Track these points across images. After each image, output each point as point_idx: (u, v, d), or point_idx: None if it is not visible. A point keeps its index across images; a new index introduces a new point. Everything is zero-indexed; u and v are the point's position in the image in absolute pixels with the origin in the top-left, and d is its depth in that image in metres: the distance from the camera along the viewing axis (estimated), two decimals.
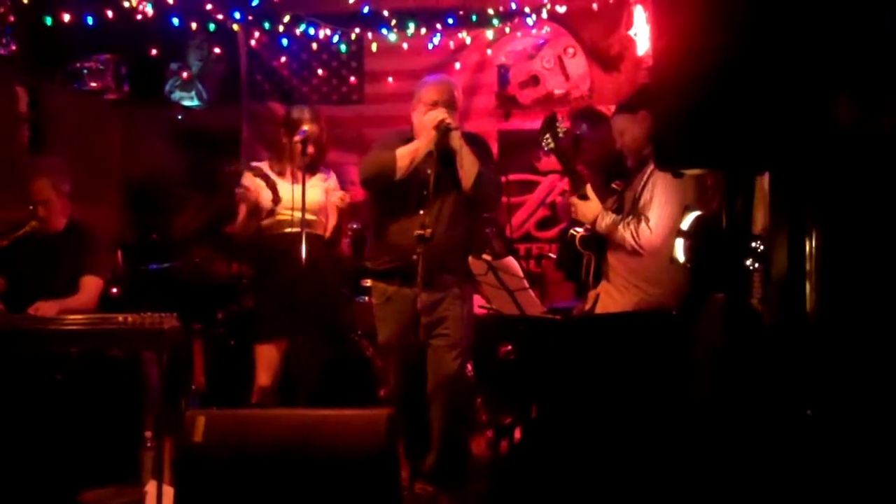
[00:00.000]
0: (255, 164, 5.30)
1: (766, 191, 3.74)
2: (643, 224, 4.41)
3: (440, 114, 4.77)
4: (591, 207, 4.60)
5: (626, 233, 4.44)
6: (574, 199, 4.64)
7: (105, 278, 5.15)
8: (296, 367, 5.11)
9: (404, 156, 4.81)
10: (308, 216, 4.94)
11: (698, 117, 3.11)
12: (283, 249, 5.10)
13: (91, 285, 5.06)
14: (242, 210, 5.18)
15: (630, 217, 4.47)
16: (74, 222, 5.19)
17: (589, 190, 4.62)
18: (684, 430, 3.74)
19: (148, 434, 4.61)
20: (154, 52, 7.44)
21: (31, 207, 5.04)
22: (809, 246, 3.39)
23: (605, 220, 4.55)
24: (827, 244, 3.37)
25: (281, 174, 5.23)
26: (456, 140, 4.77)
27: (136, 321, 4.57)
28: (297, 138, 5.05)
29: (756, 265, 3.76)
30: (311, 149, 5.08)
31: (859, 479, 3.14)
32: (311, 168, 5.21)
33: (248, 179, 5.18)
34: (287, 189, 5.10)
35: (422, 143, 4.79)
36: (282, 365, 5.14)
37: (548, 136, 4.75)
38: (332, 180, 5.39)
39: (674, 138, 3.26)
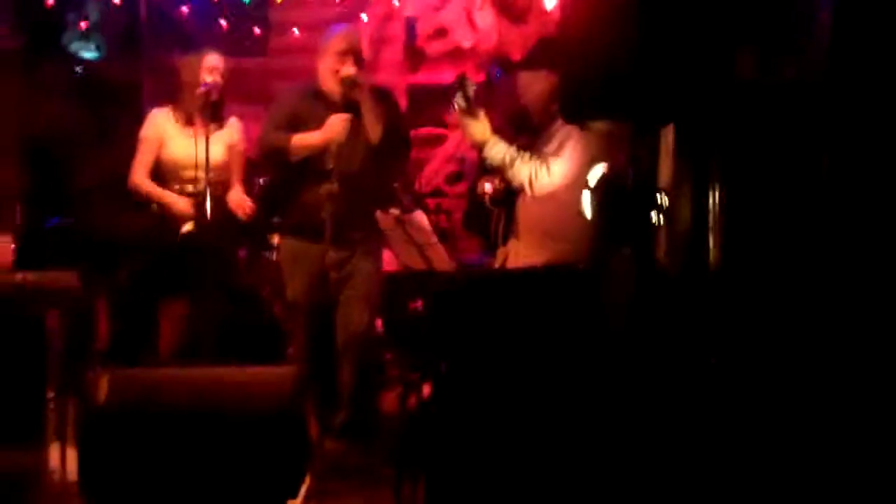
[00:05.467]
0: (157, 110, 5.21)
1: (670, 143, 3.77)
2: (543, 168, 4.40)
3: (349, 69, 4.74)
4: (480, 129, 4.52)
5: (522, 169, 4.40)
6: (463, 119, 4.49)
7: (11, 235, 5.03)
8: (195, 327, 5.08)
9: (299, 147, 4.79)
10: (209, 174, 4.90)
11: (605, 69, 3.13)
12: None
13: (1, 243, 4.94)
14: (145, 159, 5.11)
15: (530, 157, 4.44)
16: None
17: (479, 110, 4.53)
18: (595, 384, 3.78)
19: (50, 395, 4.53)
20: (51, 1, 7.22)
21: None
22: (712, 199, 3.43)
23: (498, 148, 4.47)
24: (729, 197, 3.41)
25: (185, 125, 5.13)
26: (361, 94, 4.74)
27: (35, 280, 4.47)
28: (200, 90, 4.98)
29: (660, 219, 3.80)
30: (213, 98, 5.04)
31: (761, 426, 3.22)
32: (215, 118, 5.13)
33: (152, 128, 5.10)
34: (188, 144, 5.02)
35: (319, 138, 4.76)
36: (185, 322, 5.10)
37: (459, 95, 4.66)
38: (235, 131, 5.30)
39: (580, 90, 3.28)
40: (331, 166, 4.62)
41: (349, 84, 4.73)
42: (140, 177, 5.13)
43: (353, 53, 4.83)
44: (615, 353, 3.80)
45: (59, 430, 4.40)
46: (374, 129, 4.79)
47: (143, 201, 5.16)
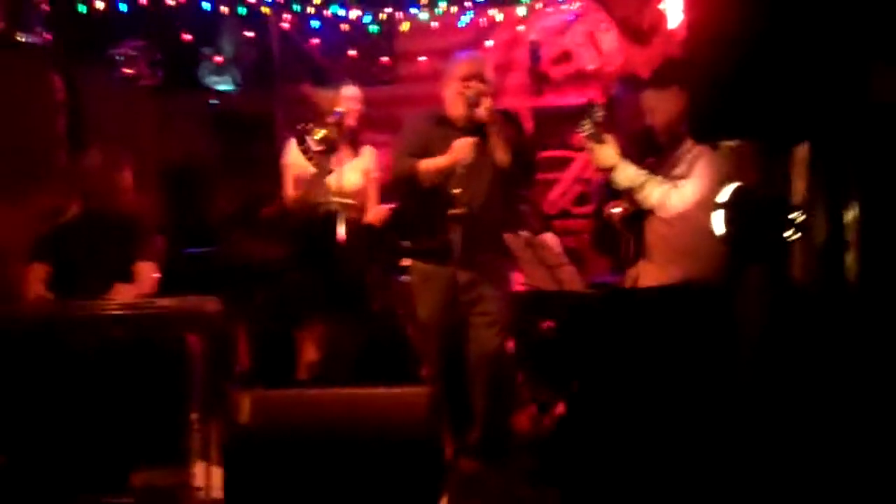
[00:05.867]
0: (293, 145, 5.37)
1: (804, 160, 3.73)
2: (674, 190, 4.38)
3: (473, 89, 4.80)
4: (608, 154, 4.53)
5: (653, 192, 4.39)
6: (590, 144, 4.53)
7: (158, 263, 5.19)
8: (334, 349, 5.19)
9: (427, 172, 4.86)
10: (346, 199, 5.02)
11: (735, 87, 3.10)
12: (320, 231, 5.14)
13: (149, 271, 5.11)
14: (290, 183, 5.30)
15: (660, 179, 4.43)
16: (125, 208, 5.23)
17: (606, 135, 4.53)
18: (728, 403, 3.75)
19: (194, 416, 4.66)
20: (187, 37, 7.46)
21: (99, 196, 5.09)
22: (849, 215, 3.38)
23: (627, 171, 4.47)
24: (867, 212, 3.36)
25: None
26: (490, 119, 4.79)
27: (178, 305, 4.62)
28: (330, 119, 5.11)
29: (796, 236, 3.75)
30: (347, 126, 5.17)
31: None
32: (351, 146, 5.29)
33: (293, 155, 5.26)
34: None
35: (445, 161, 4.81)
36: (322, 344, 5.21)
37: (587, 121, 4.65)
38: (371, 158, 5.45)
39: (711, 109, 3.26)
40: (458, 190, 4.67)
41: (474, 103, 4.78)
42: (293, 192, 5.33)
43: (479, 77, 4.88)
44: (749, 371, 3.76)
45: (203, 450, 4.52)
46: (502, 154, 4.83)
47: (301, 212, 5.31)
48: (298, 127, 5.33)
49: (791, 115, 3.17)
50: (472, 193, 4.78)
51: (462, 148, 4.76)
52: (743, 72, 3.11)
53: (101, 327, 4.64)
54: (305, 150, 5.00)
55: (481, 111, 4.78)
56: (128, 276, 5.02)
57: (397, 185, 5.14)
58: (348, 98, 5.32)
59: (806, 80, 3.07)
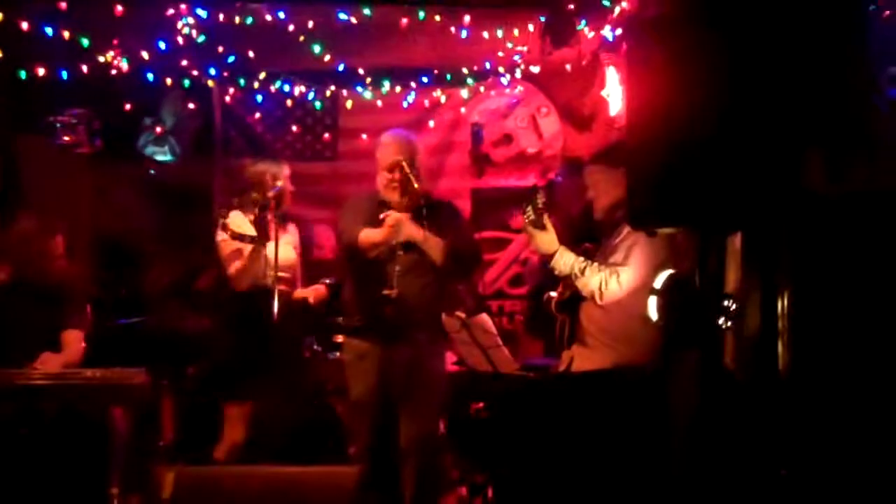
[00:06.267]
0: (230, 216, 5.30)
1: (738, 250, 3.75)
2: (613, 277, 4.39)
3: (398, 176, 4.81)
4: (548, 240, 4.54)
5: (591, 279, 4.40)
6: (530, 230, 4.53)
7: (85, 332, 5.11)
8: (263, 425, 5.11)
9: (365, 243, 4.84)
10: (281, 273, 4.98)
11: (671, 176, 3.12)
12: (252, 306, 5.10)
13: (76, 339, 5.02)
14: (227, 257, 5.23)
15: (598, 267, 4.45)
16: (55, 276, 5.15)
17: (547, 221, 4.54)
18: (660, 488, 3.73)
19: (114, 491, 4.55)
20: (128, 106, 7.42)
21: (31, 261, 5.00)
22: (781, 304, 3.40)
23: (566, 258, 4.48)
24: (799, 302, 3.37)
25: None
26: (417, 232, 4.81)
27: (104, 376, 4.54)
28: (270, 194, 5.08)
29: (728, 324, 3.77)
30: (283, 203, 5.15)
31: None
32: (283, 221, 5.25)
33: (229, 230, 5.21)
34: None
35: (381, 236, 4.80)
36: (250, 422, 5.13)
37: (528, 207, 4.65)
38: (296, 235, 5.44)
39: (647, 196, 3.28)
40: (389, 269, 4.68)
41: (401, 189, 4.81)
42: (233, 267, 5.23)
43: (408, 159, 4.87)
44: (681, 456, 3.75)
45: None
46: (436, 255, 4.83)
47: (241, 285, 5.23)
48: (234, 201, 5.31)
49: (725, 203, 3.19)
50: (407, 273, 4.77)
51: (391, 222, 4.75)
52: (679, 160, 3.13)
53: (25, 397, 4.54)
54: (238, 235, 5.01)
55: (411, 227, 4.80)
56: (55, 345, 4.93)
57: (345, 257, 5.09)
58: (285, 175, 5.31)
59: (740, 168, 3.09)
